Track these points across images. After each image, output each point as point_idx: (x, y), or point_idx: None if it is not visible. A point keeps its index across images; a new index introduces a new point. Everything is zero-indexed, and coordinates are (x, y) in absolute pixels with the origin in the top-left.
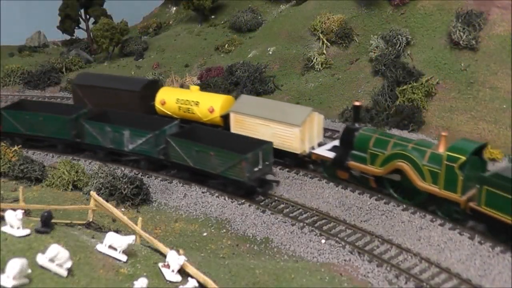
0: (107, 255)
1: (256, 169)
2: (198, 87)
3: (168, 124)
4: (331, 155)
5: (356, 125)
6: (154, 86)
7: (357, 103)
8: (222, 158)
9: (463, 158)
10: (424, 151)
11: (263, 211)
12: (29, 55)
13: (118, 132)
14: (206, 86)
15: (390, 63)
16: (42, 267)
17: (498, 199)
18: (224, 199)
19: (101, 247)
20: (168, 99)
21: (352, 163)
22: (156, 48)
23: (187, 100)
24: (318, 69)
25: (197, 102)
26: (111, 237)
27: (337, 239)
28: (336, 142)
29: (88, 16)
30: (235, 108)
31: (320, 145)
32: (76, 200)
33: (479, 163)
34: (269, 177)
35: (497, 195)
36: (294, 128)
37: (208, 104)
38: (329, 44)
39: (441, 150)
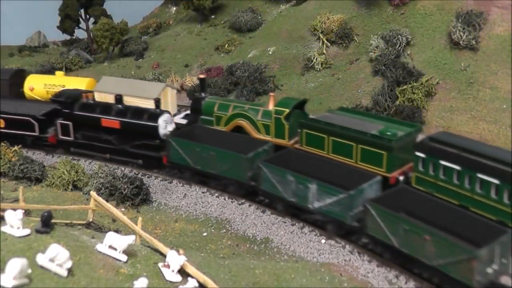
0: (107, 255)
1: (490, 270)
2: (63, 72)
3: (367, 181)
4: (185, 121)
5: (202, 94)
6: (22, 74)
7: (201, 76)
8: (442, 248)
9: (287, 110)
10: (257, 109)
11: (263, 211)
12: (29, 55)
13: (302, 184)
14: (206, 86)
15: (390, 63)
16: (42, 267)
17: (313, 138)
18: (224, 199)
19: (101, 247)
20: (36, 85)
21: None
22: (156, 48)
23: (54, 85)
24: (318, 69)
25: (63, 85)
26: (111, 237)
27: None
28: (187, 112)
29: (88, 16)
30: (98, 87)
31: (174, 115)
32: (76, 200)
33: (302, 115)
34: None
35: (313, 135)
36: (150, 101)
37: (73, 87)
38: (329, 44)
39: (271, 107)
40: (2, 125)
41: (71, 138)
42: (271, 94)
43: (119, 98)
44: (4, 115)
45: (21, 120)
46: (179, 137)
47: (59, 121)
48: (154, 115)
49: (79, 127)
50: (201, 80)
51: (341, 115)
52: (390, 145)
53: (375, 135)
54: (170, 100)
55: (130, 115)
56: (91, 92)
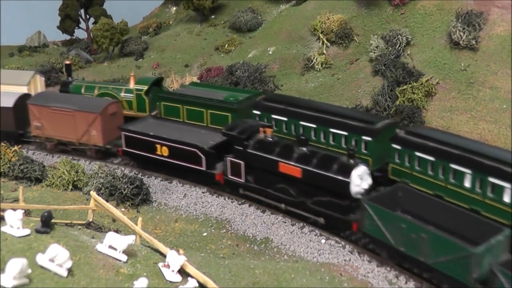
0: (107, 255)
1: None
2: None
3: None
4: None
5: (70, 78)
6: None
7: (67, 62)
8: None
9: (146, 87)
10: (120, 88)
11: (263, 211)
12: (29, 55)
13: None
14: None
15: (390, 63)
16: (42, 267)
17: (171, 109)
18: (224, 199)
19: (101, 247)
20: None
21: None
22: (156, 48)
23: None
24: (318, 69)
25: None
26: (111, 237)
27: None
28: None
29: (88, 16)
30: None
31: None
32: (76, 200)
33: (159, 91)
34: None
35: (170, 107)
36: (22, 87)
37: None
38: (329, 44)
39: (132, 85)
40: (166, 153)
41: (242, 180)
42: (132, 74)
43: (303, 140)
44: (169, 143)
45: (187, 150)
46: (378, 203)
47: (229, 158)
48: (347, 167)
49: (252, 168)
50: (67, 66)
51: (192, 88)
52: (233, 108)
53: (221, 101)
54: (39, 88)
55: (315, 163)
56: (270, 126)
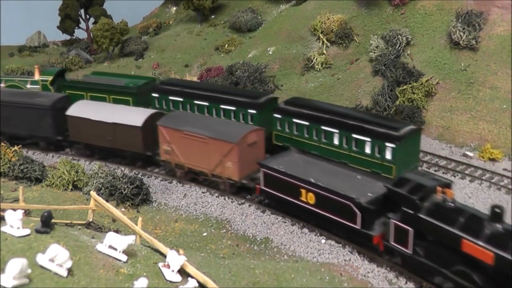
0: (107, 255)
1: None
2: None
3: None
4: None
5: None
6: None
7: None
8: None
9: (51, 77)
10: (26, 80)
11: (263, 211)
12: (29, 55)
13: None
14: None
15: (390, 63)
16: (42, 267)
17: (76, 97)
18: (224, 199)
19: (101, 247)
20: None
21: None
22: (156, 48)
23: None
24: (318, 69)
25: None
26: (111, 237)
27: None
28: None
29: (88, 16)
30: None
31: None
32: (76, 200)
33: (64, 80)
34: None
35: (75, 94)
36: None
37: None
38: (329, 44)
39: (37, 77)
40: (312, 201)
41: (408, 251)
42: (36, 66)
43: (497, 213)
44: (316, 189)
45: (338, 202)
46: None
47: (394, 220)
48: None
49: (424, 238)
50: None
51: (95, 77)
52: (133, 92)
53: (122, 86)
54: None
55: None
56: (449, 185)
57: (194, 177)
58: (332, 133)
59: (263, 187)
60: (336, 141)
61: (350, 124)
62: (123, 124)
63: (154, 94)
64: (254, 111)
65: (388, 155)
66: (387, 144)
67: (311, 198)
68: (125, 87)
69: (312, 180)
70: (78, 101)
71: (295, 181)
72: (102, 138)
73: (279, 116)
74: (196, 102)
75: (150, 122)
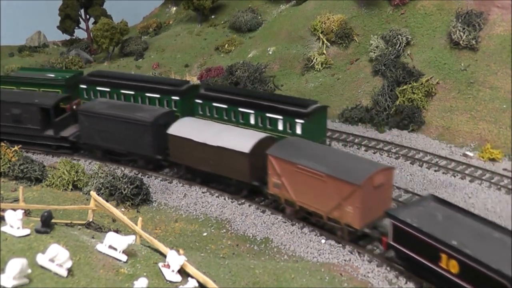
0: (107, 255)
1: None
2: None
3: None
4: None
5: None
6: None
7: None
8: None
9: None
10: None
11: (263, 211)
12: (29, 55)
13: None
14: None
15: (390, 63)
16: (42, 267)
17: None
18: (224, 199)
19: (101, 247)
20: None
21: None
22: (156, 48)
23: None
24: (318, 69)
25: None
26: (111, 237)
27: None
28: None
29: (88, 16)
30: None
31: None
32: (76, 200)
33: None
34: None
35: (5, 89)
36: None
37: None
38: (329, 44)
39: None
40: (455, 270)
41: None
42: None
43: None
44: (463, 258)
45: (488, 276)
46: None
47: None
48: None
49: None
50: None
51: (25, 72)
52: (62, 84)
53: (51, 79)
54: None
55: None
56: None
57: (306, 216)
58: (249, 114)
59: (391, 242)
60: (252, 121)
61: (264, 105)
62: (228, 149)
63: (82, 86)
64: (177, 98)
65: (298, 130)
66: (297, 120)
67: (453, 266)
68: (54, 79)
69: (455, 244)
70: (182, 118)
71: (433, 242)
72: (205, 162)
73: (200, 101)
74: (122, 91)
75: (259, 148)
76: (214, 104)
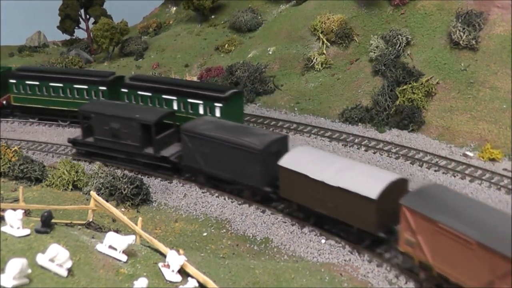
0: (107, 255)
1: None
2: None
3: None
4: None
5: None
6: None
7: None
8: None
9: None
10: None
11: (263, 211)
12: (29, 55)
13: None
14: None
15: (390, 63)
16: (42, 267)
17: None
18: (224, 199)
19: (101, 247)
20: None
21: None
22: (156, 48)
23: None
24: (318, 69)
25: None
26: (111, 237)
27: None
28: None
29: (88, 16)
30: None
31: None
32: (76, 200)
33: None
34: None
35: None
36: None
37: None
38: (329, 44)
39: None
40: None
41: None
42: None
43: None
44: None
45: None
46: None
47: None
48: None
49: None
50: None
51: None
52: None
53: None
54: None
55: None
56: None
57: (441, 284)
58: (172, 100)
59: None
60: (175, 107)
61: (185, 91)
62: (351, 192)
63: (11, 80)
64: (104, 88)
65: (218, 113)
66: (216, 104)
67: None
68: None
69: None
70: (297, 148)
71: None
72: (321, 203)
73: (126, 90)
74: (51, 84)
75: (390, 193)
76: (139, 92)
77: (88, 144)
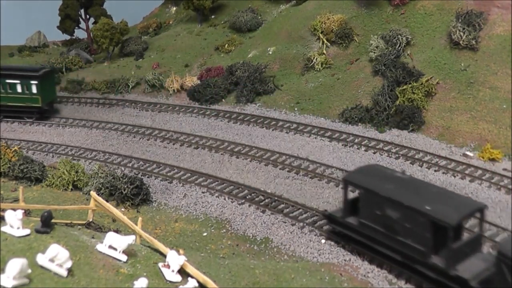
0: (107, 255)
1: None
2: None
3: None
4: None
5: None
6: None
7: None
8: None
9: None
10: None
11: (263, 211)
12: (29, 55)
13: None
14: (206, 86)
15: (390, 63)
16: (42, 267)
17: None
18: (224, 199)
19: (101, 247)
20: None
21: None
22: (156, 48)
23: None
24: (318, 69)
25: None
26: (111, 237)
27: None
28: None
29: (88, 16)
30: None
31: None
32: (76, 200)
33: None
34: None
35: None
36: None
37: None
38: (329, 44)
39: None
40: None
41: None
42: None
43: None
44: None
45: None
46: None
47: None
48: None
49: None
50: None
51: None
52: None
53: None
54: None
55: None
56: None
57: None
58: None
59: None
60: None
61: (3, 73)
62: None
63: None
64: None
65: (34, 90)
66: (32, 82)
67: None
68: None
69: None
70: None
71: None
72: None
73: None
74: None
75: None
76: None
77: (349, 227)
